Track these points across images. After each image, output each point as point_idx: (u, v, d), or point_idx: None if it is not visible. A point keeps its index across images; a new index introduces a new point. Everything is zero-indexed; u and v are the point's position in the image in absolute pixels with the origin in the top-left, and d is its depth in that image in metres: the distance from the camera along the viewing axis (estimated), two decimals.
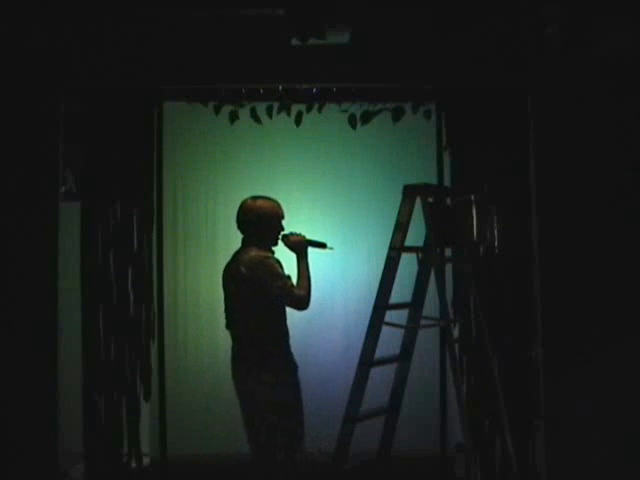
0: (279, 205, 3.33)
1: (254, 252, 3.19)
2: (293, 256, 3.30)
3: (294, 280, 3.20)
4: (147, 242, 3.86)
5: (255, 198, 3.32)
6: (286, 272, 3.20)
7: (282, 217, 3.34)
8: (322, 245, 3.42)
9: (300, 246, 3.31)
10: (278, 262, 3.21)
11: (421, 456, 4.15)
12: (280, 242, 3.32)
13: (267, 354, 3.16)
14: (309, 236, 3.36)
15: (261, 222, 3.26)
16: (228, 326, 3.31)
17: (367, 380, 3.65)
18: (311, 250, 3.34)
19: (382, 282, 3.67)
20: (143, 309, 3.86)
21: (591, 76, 3.68)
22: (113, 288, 3.82)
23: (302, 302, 3.18)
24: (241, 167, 4.41)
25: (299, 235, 3.34)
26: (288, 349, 3.27)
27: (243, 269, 3.16)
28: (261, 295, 3.14)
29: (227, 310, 3.31)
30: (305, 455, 3.19)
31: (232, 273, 3.25)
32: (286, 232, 3.33)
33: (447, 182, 3.98)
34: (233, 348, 3.28)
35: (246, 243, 3.29)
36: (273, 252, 3.30)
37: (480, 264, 3.85)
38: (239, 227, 3.33)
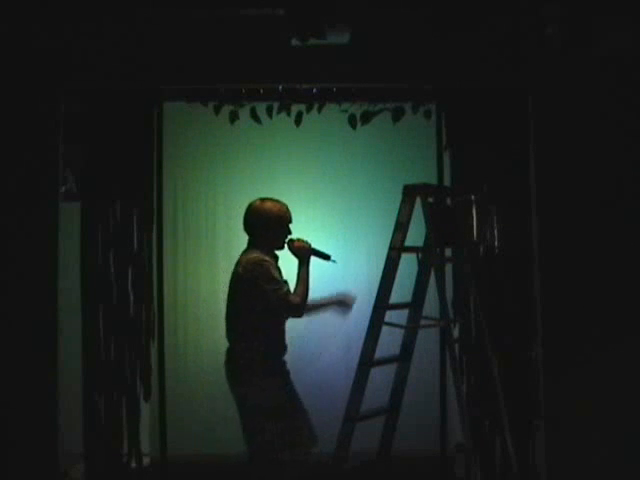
0: (287, 208, 3.31)
1: (254, 254, 3.19)
2: (295, 262, 3.29)
3: (292, 287, 3.19)
4: (147, 242, 3.86)
5: (263, 200, 3.30)
6: (285, 278, 3.20)
7: (290, 221, 3.32)
8: (326, 257, 3.42)
9: (304, 253, 3.29)
10: (276, 267, 3.20)
11: (421, 456, 4.14)
12: (285, 246, 3.32)
13: (265, 357, 3.15)
14: (314, 245, 3.36)
15: (268, 225, 3.24)
16: (228, 335, 3.29)
17: (367, 380, 3.65)
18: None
19: (382, 282, 3.67)
20: (143, 309, 3.85)
21: (591, 76, 3.69)
22: (113, 288, 3.81)
23: (295, 309, 3.16)
24: (241, 167, 4.40)
25: (305, 242, 3.33)
26: (281, 354, 3.26)
27: (241, 270, 3.16)
28: (257, 297, 3.13)
29: (227, 316, 3.29)
30: (295, 460, 3.18)
31: (233, 276, 3.24)
32: (292, 237, 3.32)
33: (447, 182, 3.97)
34: (230, 351, 3.27)
35: (250, 245, 3.28)
36: (277, 256, 3.29)
37: (480, 264, 3.85)
38: (245, 229, 3.31)
